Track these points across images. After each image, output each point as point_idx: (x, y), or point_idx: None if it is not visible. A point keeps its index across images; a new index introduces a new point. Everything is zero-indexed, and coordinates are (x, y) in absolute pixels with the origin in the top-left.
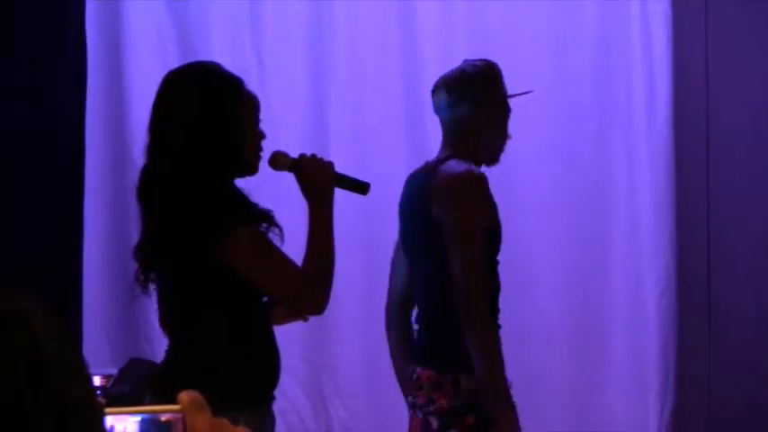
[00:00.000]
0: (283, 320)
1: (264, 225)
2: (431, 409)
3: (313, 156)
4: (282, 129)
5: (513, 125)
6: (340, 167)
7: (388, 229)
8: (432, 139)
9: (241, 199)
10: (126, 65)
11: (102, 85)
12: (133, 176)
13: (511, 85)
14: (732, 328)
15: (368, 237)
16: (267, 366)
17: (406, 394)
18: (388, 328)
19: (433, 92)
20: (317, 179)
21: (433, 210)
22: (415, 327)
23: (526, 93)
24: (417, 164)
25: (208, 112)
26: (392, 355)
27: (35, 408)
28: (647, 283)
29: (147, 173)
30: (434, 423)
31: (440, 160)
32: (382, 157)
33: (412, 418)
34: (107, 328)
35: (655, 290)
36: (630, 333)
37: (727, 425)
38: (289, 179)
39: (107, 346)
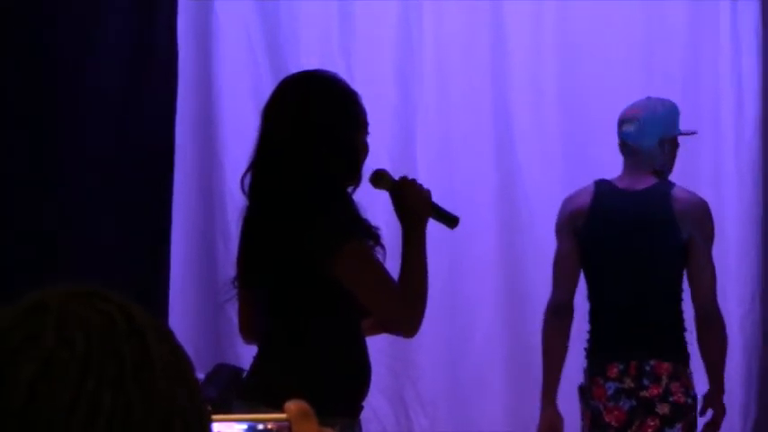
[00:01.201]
0: (372, 332)
1: (371, 242)
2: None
3: (413, 180)
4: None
5: (601, 135)
6: (425, 174)
7: (474, 235)
8: (518, 150)
9: (354, 213)
10: (215, 66)
11: (191, 86)
12: (220, 179)
13: (599, 90)
14: None
15: (451, 249)
16: (360, 377)
17: None
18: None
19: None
20: (415, 204)
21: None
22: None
23: (692, 133)
24: (503, 170)
25: (330, 121)
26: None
27: (142, 409)
28: (731, 302)
29: (260, 172)
30: None
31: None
32: (468, 166)
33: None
34: (192, 331)
35: (739, 309)
36: None
37: None
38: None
39: (192, 350)
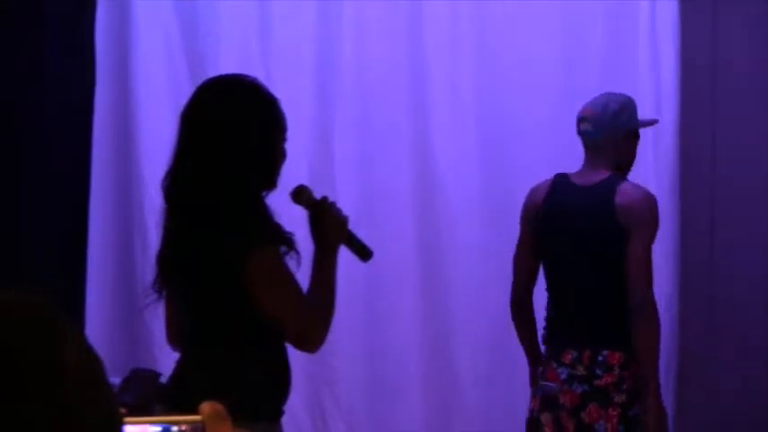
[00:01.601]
0: None
1: (284, 248)
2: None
3: (333, 203)
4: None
5: (519, 133)
6: (343, 176)
7: (392, 238)
8: (436, 149)
9: (267, 217)
10: (133, 68)
11: (109, 88)
12: (138, 182)
13: (517, 91)
14: (736, 346)
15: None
16: (280, 382)
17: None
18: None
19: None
20: (331, 228)
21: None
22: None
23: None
24: (420, 172)
25: (248, 125)
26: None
27: (50, 410)
28: None
29: (178, 176)
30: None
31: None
32: (386, 168)
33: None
34: (109, 337)
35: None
36: None
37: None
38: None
39: (108, 355)
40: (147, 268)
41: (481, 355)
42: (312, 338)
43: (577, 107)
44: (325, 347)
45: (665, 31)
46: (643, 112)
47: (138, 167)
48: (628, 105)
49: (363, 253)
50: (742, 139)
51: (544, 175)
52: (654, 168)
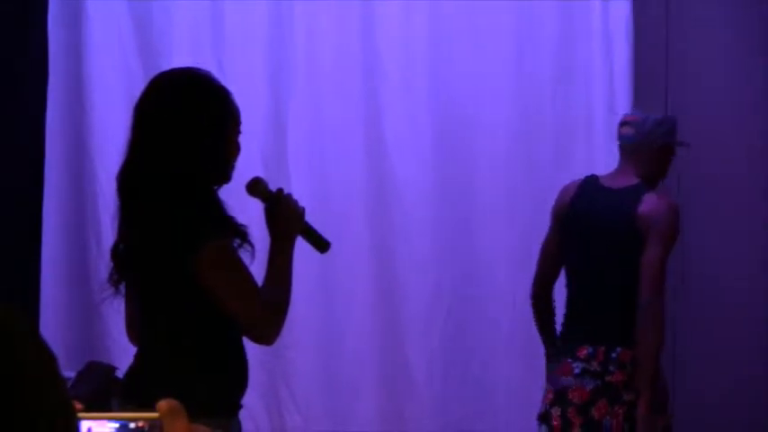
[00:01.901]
0: None
1: (238, 241)
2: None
3: (289, 195)
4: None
5: (472, 133)
6: (297, 173)
7: (347, 233)
8: (389, 143)
9: (219, 210)
10: (87, 65)
11: (62, 85)
12: (91, 177)
13: (471, 88)
14: (698, 352)
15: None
16: (237, 376)
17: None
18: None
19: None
20: (288, 220)
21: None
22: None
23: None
24: (373, 167)
25: (201, 119)
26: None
27: (7, 410)
28: None
29: (130, 170)
30: None
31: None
32: (339, 165)
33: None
34: (63, 332)
35: None
36: None
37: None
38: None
39: (63, 350)
40: (102, 263)
41: (436, 350)
42: (268, 331)
43: (531, 104)
44: (282, 341)
45: (618, 33)
46: (596, 115)
47: (92, 163)
48: (670, 121)
49: (321, 244)
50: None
51: (499, 169)
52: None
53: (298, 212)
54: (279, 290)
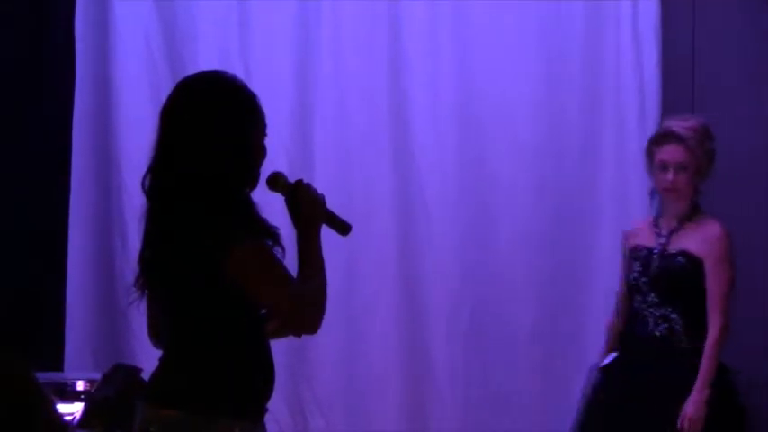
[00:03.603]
0: (275, 335)
1: (269, 242)
2: None
3: (308, 184)
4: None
5: (497, 136)
6: (323, 174)
7: (371, 234)
8: (415, 146)
9: (251, 212)
10: (113, 66)
11: (89, 85)
12: (118, 180)
13: (497, 88)
14: None
15: (347, 249)
16: (263, 380)
17: None
18: None
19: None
20: (309, 209)
21: None
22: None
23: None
24: (399, 168)
25: (228, 123)
26: None
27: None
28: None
29: (158, 173)
30: None
31: None
32: (365, 167)
33: None
34: (90, 333)
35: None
36: None
37: None
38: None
39: (90, 351)
40: (127, 265)
41: (459, 352)
42: (310, 321)
43: (559, 104)
44: (304, 343)
45: (647, 29)
46: (625, 110)
47: (118, 166)
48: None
49: (343, 228)
50: (722, 135)
51: (522, 174)
52: (634, 165)
53: (319, 200)
54: (314, 278)
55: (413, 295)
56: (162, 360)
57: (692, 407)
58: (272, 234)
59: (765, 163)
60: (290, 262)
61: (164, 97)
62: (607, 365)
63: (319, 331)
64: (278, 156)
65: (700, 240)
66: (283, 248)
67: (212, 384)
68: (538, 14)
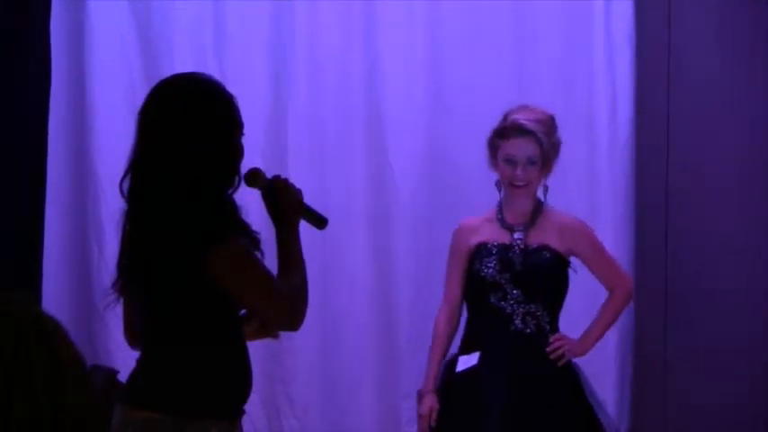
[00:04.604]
0: (253, 337)
1: (249, 246)
2: None
3: (286, 180)
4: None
5: (471, 135)
6: (296, 175)
7: (346, 234)
8: (389, 147)
9: (233, 214)
10: (88, 66)
11: (65, 87)
12: (94, 182)
13: (472, 93)
14: (690, 349)
15: (323, 249)
16: (241, 380)
17: None
18: None
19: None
20: (287, 204)
21: None
22: None
23: None
24: (373, 169)
25: (206, 124)
26: None
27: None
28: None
29: (138, 177)
30: None
31: None
32: (339, 167)
33: None
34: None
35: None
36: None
37: None
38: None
39: None
40: (104, 267)
41: None
42: (293, 318)
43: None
44: (280, 345)
45: (621, 33)
46: (599, 111)
47: (94, 168)
48: None
49: (320, 222)
50: (697, 137)
51: (495, 177)
52: (609, 167)
53: (296, 195)
54: (295, 275)
55: (387, 297)
56: (139, 361)
57: (578, 349)
58: (252, 238)
59: (747, 164)
60: (270, 262)
61: (139, 98)
62: (473, 368)
63: (295, 333)
64: (252, 156)
65: (557, 234)
66: (263, 253)
67: (190, 385)
68: (513, 14)
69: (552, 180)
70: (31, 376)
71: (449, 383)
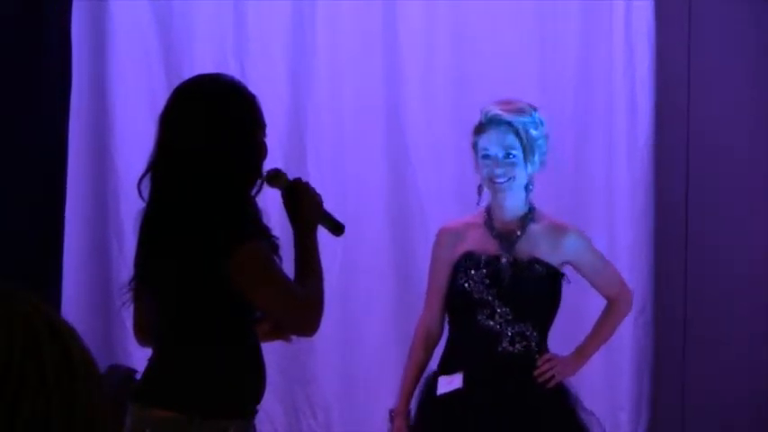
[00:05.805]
0: (267, 338)
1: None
2: None
3: (307, 183)
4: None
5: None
6: (316, 174)
7: (366, 236)
8: (409, 145)
9: (255, 216)
10: (109, 67)
11: (85, 87)
12: (114, 180)
13: (492, 93)
14: (707, 352)
15: (343, 246)
16: (255, 380)
17: None
18: None
19: None
20: (307, 207)
21: None
22: None
23: None
24: (394, 170)
25: (229, 125)
26: None
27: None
28: None
29: (160, 177)
30: None
31: None
32: (359, 167)
33: None
34: (84, 335)
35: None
36: (604, 352)
37: None
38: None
39: None
40: (123, 266)
41: None
42: (309, 323)
43: (552, 108)
44: (299, 345)
45: (640, 32)
46: (618, 112)
47: (114, 166)
48: None
49: (337, 228)
50: (717, 138)
51: None
52: (628, 168)
53: (316, 198)
54: (312, 279)
55: (409, 296)
56: (153, 360)
57: (570, 368)
58: (272, 242)
59: (764, 167)
60: (287, 267)
61: (159, 97)
62: (456, 391)
63: (316, 335)
64: (273, 153)
65: (551, 244)
66: (281, 258)
67: (205, 384)
68: (535, 14)
69: (571, 181)
70: (43, 376)
71: (428, 405)
